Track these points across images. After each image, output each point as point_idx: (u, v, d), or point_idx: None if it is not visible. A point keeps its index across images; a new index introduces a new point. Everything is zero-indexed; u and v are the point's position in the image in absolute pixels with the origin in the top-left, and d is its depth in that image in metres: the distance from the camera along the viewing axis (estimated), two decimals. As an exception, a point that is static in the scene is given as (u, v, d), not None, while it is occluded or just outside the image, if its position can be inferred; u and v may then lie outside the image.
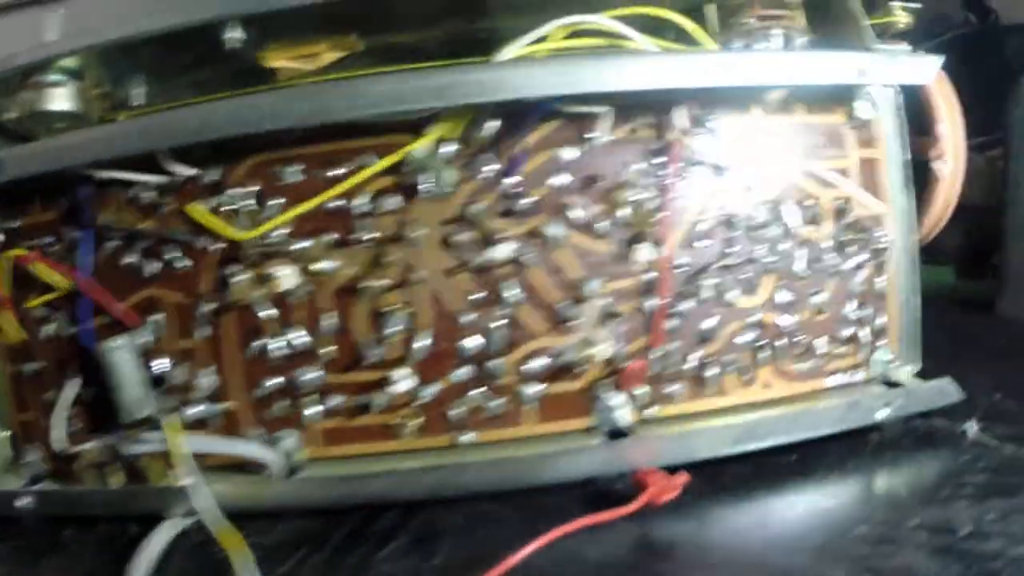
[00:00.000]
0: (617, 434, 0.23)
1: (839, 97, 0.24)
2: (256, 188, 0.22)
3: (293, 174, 0.22)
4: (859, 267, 0.25)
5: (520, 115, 0.22)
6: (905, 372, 0.26)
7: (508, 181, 0.22)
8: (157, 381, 0.23)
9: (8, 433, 0.24)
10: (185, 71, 0.24)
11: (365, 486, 0.22)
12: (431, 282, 0.22)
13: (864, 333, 0.25)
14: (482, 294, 0.22)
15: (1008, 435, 0.23)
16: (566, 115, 0.22)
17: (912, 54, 0.23)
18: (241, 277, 0.22)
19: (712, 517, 0.20)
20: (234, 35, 0.22)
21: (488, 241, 0.22)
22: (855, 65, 0.22)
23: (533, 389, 0.22)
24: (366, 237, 0.22)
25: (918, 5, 0.25)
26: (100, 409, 0.23)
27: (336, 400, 0.23)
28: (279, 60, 0.24)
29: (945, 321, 0.37)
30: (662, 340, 0.23)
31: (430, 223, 0.22)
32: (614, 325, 0.23)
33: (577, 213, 0.22)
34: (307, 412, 0.23)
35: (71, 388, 0.24)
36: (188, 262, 0.23)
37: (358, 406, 0.23)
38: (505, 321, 0.22)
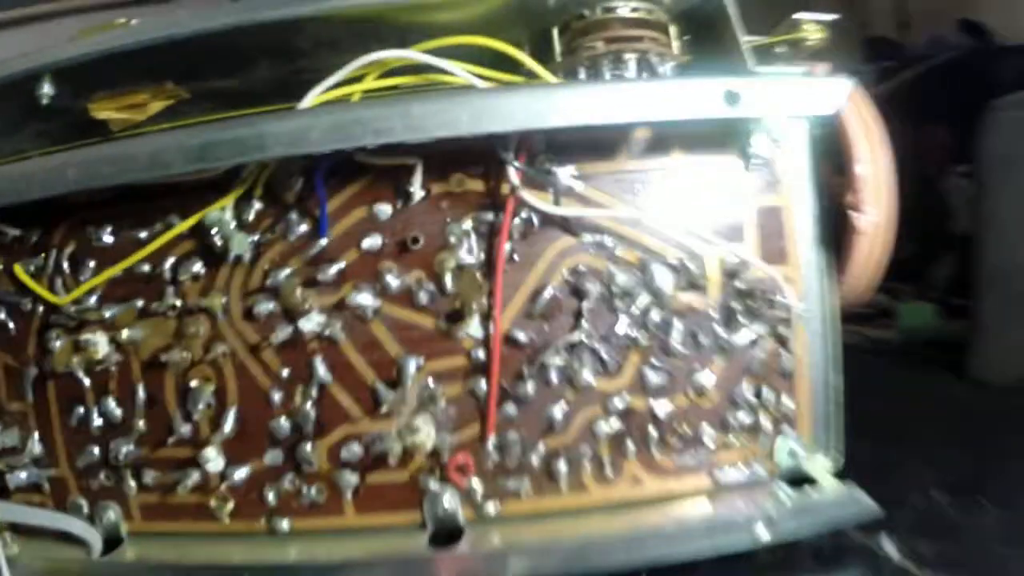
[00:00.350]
0: (449, 532, 0.20)
1: (730, 133, 0.19)
2: (70, 250, 0.21)
3: (105, 236, 0.19)
4: (755, 341, 0.20)
5: (333, 168, 0.19)
6: (820, 464, 0.20)
7: (315, 245, 0.19)
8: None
9: None
10: (27, 123, 0.23)
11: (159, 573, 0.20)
12: (236, 356, 0.18)
13: (765, 419, 0.20)
14: (289, 371, 0.18)
15: (934, 557, 0.17)
16: (377, 168, 0.19)
17: (815, 77, 0.18)
18: (59, 343, 0.21)
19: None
20: (45, 90, 0.21)
21: (293, 313, 0.18)
22: (724, 93, 0.16)
23: (349, 478, 0.18)
24: (170, 306, 0.20)
25: (833, 17, 0.20)
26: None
27: (151, 475, 0.20)
28: (107, 111, 0.22)
29: (903, 380, 0.30)
30: (496, 428, 0.19)
31: (232, 292, 0.18)
32: (438, 410, 0.19)
33: (392, 280, 0.18)
34: (125, 485, 0.21)
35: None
36: (16, 324, 0.22)
37: (171, 483, 0.20)
38: (313, 402, 0.18)
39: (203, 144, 0.16)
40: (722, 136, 0.18)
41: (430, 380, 0.18)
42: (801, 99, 0.17)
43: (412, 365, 0.18)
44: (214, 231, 0.18)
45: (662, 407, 0.19)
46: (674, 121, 0.17)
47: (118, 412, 0.20)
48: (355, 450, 0.18)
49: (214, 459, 0.19)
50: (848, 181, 0.18)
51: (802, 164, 0.19)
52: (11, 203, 0.18)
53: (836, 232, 0.19)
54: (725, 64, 0.18)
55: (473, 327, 0.18)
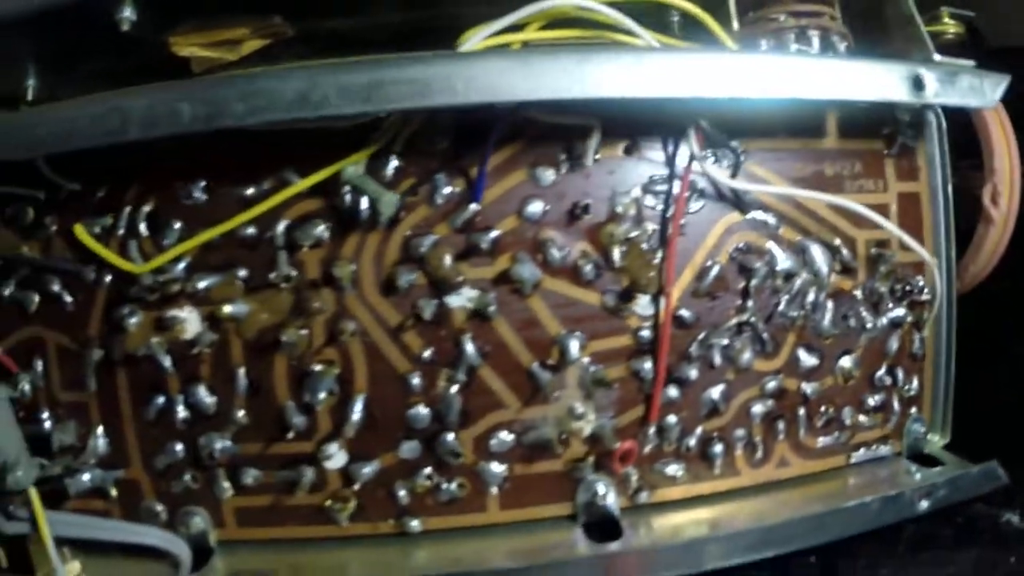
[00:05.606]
0: (602, 524, 0.16)
1: (878, 119, 0.16)
2: (149, 208, 0.16)
3: (196, 192, 0.14)
4: (896, 324, 0.18)
5: (483, 124, 0.15)
6: (936, 444, 0.18)
7: (467, 209, 0.15)
8: (41, 441, 0.17)
9: None
10: (85, 59, 0.18)
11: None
12: (367, 336, 0.14)
13: (895, 400, 0.18)
14: (432, 352, 0.14)
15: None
16: (542, 126, 0.15)
17: (976, 71, 0.17)
18: (135, 320, 0.16)
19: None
20: (126, 14, 0.16)
21: (440, 285, 0.14)
22: (911, 79, 0.14)
23: (498, 470, 0.15)
24: (285, 276, 0.15)
25: (971, 14, 0.18)
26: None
27: (252, 475, 0.16)
28: (191, 47, 0.17)
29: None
30: (659, 413, 0.16)
31: (366, 261, 0.14)
32: (600, 393, 0.16)
33: (554, 253, 0.14)
34: (217, 487, 0.16)
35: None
36: (76, 297, 0.16)
37: (278, 483, 0.16)
38: (460, 387, 0.14)
39: (372, 83, 0.12)
40: (872, 122, 0.16)
41: (592, 362, 0.15)
42: (970, 91, 0.15)
43: (575, 345, 0.15)
44: (347, 189, 0.14)
45: (812, 388, 0.16)
46: (841, 103, 0.14)
47: (210, 402, 0.15)
48: (505, 439, 0.15)
49: (335, 455, 0.15)
50: (986, 173, 0.16)
51: (939, 154, 0.17)
52: (98, 146, 0.13)
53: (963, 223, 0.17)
54: (888, 49, 0.16)
55: (642, 305, 0.15)
